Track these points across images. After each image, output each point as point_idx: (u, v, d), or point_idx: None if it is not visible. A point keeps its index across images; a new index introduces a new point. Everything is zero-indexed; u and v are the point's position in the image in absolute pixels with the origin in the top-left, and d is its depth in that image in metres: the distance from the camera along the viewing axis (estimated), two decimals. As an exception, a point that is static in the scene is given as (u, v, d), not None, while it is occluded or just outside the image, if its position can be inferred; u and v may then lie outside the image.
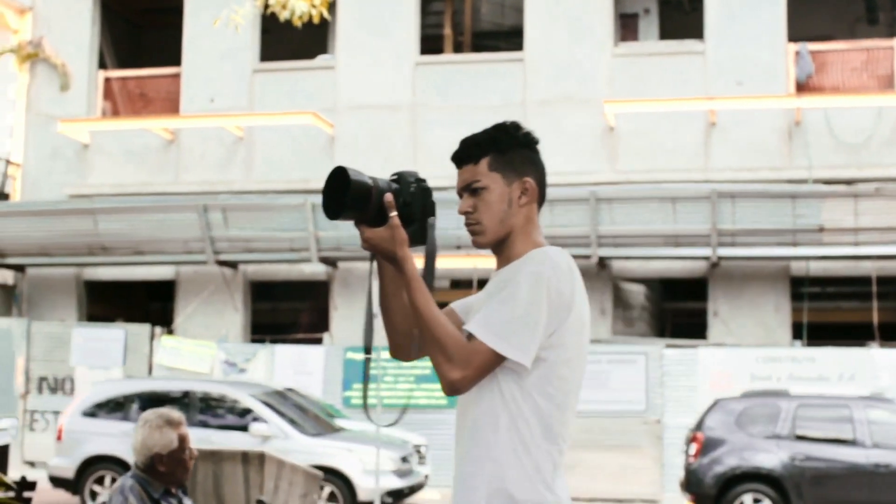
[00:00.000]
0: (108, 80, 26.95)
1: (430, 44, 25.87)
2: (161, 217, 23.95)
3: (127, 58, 28.30)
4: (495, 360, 3.40)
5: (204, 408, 17.48)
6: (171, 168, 25.66)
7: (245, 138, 25.19)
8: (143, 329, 23.32)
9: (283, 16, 13.01)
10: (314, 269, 24.28)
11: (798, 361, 20.48)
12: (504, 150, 3.63)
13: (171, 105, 26.27)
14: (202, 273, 24.76)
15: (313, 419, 17.78)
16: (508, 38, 26.90)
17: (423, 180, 3.58)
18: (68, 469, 17.15)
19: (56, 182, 26.16)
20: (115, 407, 17.63)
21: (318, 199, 23.09)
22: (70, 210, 24.61)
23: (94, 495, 17.08)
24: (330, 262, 23.73)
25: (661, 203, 22.04)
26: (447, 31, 26.88)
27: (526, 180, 3.64)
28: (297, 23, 13.28)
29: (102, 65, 27.32)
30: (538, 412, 3.46)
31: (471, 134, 3.68)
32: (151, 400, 17.26)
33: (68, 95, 26.34)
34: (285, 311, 26.85)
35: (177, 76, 26.29)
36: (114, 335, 23.32)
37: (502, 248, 3.65)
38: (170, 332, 23.93)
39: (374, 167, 23.94)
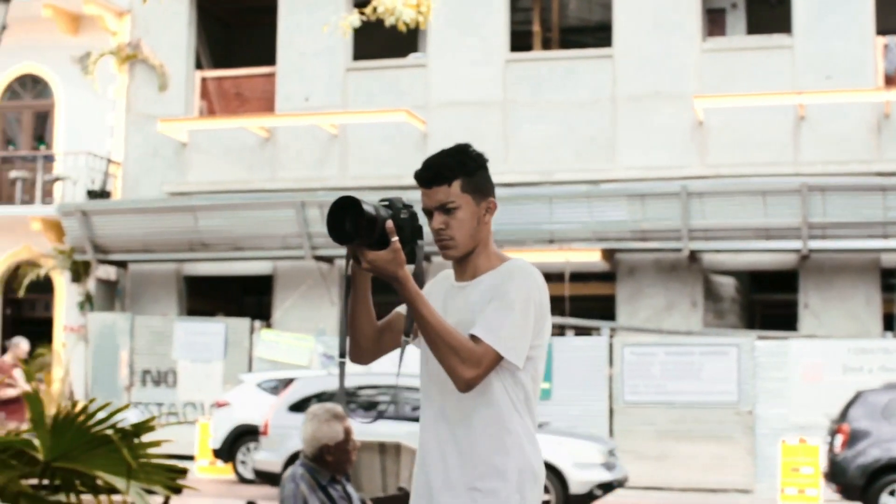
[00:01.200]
0: (204, 80, 27.62)
1: (519, 40, 26.21)
2: (260, 214, 24.56)
3: (219, 57, 28.90)
4: (498, 361, 3.83)
5: (415, 403, 17.43)
6: (268, 165, 26.26)
7: (339, 135, 25.72)
8: (242, 323, 23.93)
9: (390, 21, 13.44)
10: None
11: (890, 353, 20.64)
12: (471, 173, 3.95)
13: (265, 103, 26.87)
14: (299, 268, 25.34)
15: None
16: (595, 33, 27.23)
17: (410, 206, 3.87)
18: (275, 463, 17.31)
19: (155, 180, 26.86)
20: (320, 401, 17.72)
21: (413, 194, 23.59)
22: (171, 207, 25.32)
23: None
24: (424, 255, 24.20)
25: (751, 197, 22.30)
26: (536, 27, 27.24)
27: (490, 200, 3.99)
28: (403, 27, 13.71)
29: (198, 65, 27.96)
30: (527, 396, 3.94)
31: (435, 157, 3.98)
32: (351, 394, 17.41)
33: (166, 95, 27.02)
34: (378, 305, 27.28)
35: (271, 75, 26.88)
36: (215, 329, 23.97)
37: (467, 258, 4.02)
38: (268, 325, 24.52)
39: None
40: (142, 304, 26.53)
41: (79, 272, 26.32)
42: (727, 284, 25.01)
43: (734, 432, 20.93)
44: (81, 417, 5.35)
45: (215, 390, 23.37)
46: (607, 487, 16.88)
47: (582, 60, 25.20)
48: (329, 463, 5.83)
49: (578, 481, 16.53)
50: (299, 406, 17.38)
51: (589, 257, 23.42)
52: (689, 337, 22.04)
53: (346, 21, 13.17)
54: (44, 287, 26.86)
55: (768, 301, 26.54)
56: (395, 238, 3.73)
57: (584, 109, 24.52)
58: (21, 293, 26.29)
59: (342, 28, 13.24)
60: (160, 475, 5.53)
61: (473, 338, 3.82)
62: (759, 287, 26.18)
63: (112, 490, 5.53)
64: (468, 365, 3.78)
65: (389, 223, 3.73)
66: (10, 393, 16.63)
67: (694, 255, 23.37)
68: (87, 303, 26.38)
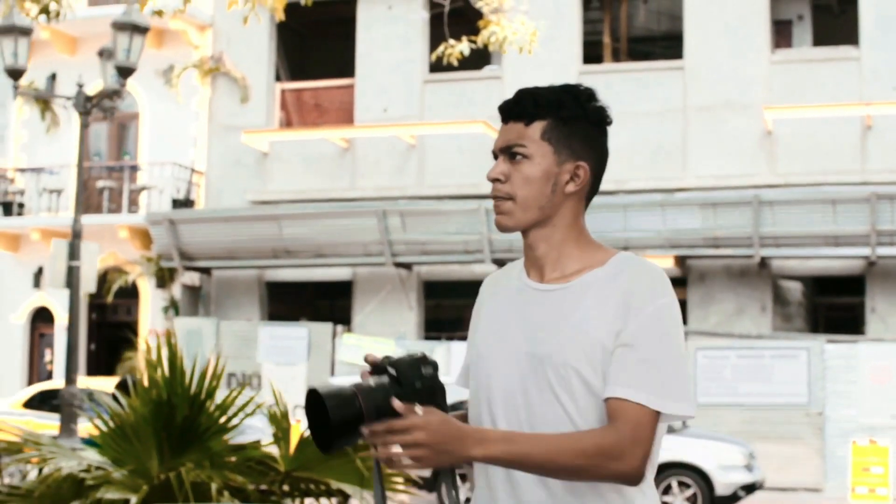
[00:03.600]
0: (283, 91, 28.52)
1: (588, 50, 26.94)
2: (341, 222, 25.42)
3: (295, 69, 29.74)
4: (657, 421, 2.76)
5: None
6: (347, 174, 27.11)
7: (417, 146, 26.56)
8: (325, 327, 24.77)
9: (494, 48, 14.18)
10: (484, 269, 25.53)
11: (955, 355, 21.31)
12: (567, 119, 2.90)
13: (344, 114, 27.72)
14: (378, 274, 26.19)
15: None
16: (662, 42, 27.96)
17: (428, 364, 2.77)
18: None
19: (238, 189, 27.77)
20: None
21: (491, 203, 24.38)
22: (256, 216, 26.23)
23: None
24: (501, 263, 24.99)
25: (821, 205, 23.01)
26: (606, 39, 27.96)
27: (580, 164, 2.90)
28: (505, 51, 14.45)
29: (276, 76, 28.84)
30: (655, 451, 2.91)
31: (532, 87, 2.99)
32: None
33: (247, 107, 27.92)
34: (454, 309, 28.07)
35: (350, 87, 27.73)
36: (298, 333, 24.83)
37: (542, 243, 2.92)
38: (349, 330, 25.37)
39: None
40: (224, 309, 27.45)
41: (164, 278, 27.27)
42: (794, 289, 25.70)
43: (804, 433, 21.51)
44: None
45: (299, 393, 24.21)
46: (749, 489, 17.47)
47: (653, 72, 25.98)
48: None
49: (724, 483, 17.13)
50: None
51: (662, 264, 24.13)
52: (759, 340, 22.77)
53: (455, 50, 13.82)
54: (127, 292, 27.81)
55: (833, 304, 27.13)
56: (418, 412, 2.62)
57: (657, 120, 25.29)
58: (108, 299, 27.23)
59: (450, 57, 13.89)
60: (387, 483, 6.38)
61: (614, 403, 2.73)
62: (824, 291, 26.83)
63: (343, 494, 6.39)
64: (626, 457, 2.68)
65: (398, 404, 2.63)
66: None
67: (763, 261, 24.09)
68: (172, 308, 27.32)
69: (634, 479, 2.70)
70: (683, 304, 25.08)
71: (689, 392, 2.76)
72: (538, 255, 2.91)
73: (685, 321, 24.55)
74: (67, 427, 15.41)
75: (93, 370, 27.61)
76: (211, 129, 28.25)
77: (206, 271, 27.48)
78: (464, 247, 24.65)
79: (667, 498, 17.25)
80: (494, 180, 2.90)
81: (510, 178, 2.87)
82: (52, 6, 17.29)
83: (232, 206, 27.33)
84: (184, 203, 27.46)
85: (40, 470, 6.23)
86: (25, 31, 15.04)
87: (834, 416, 21.50)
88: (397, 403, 2.62)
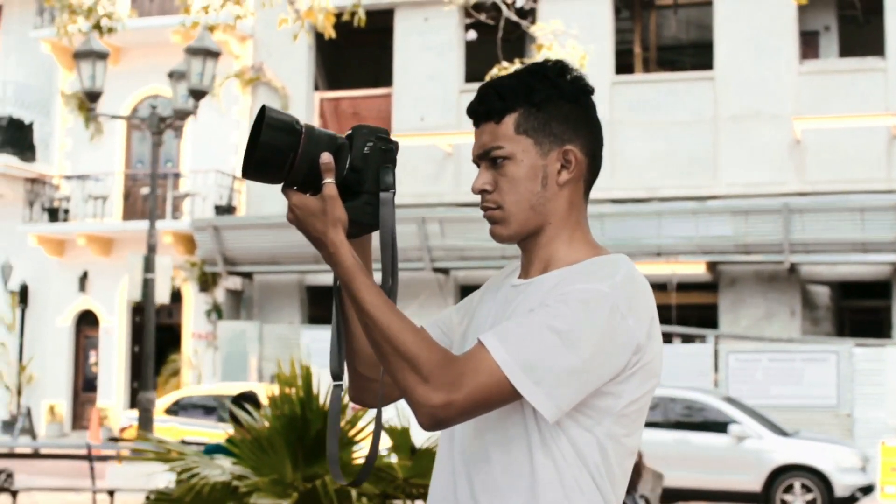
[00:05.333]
0: (321, 100, 29.25)
1: (618, 60, 27.59)
2: (380, 228, 26.07)
3: (333, 78, 30.43)
4: (505, 392, 2.34)
5: (682, 411, 18.84)
6: (385, 181, 27.75)
7: (453, 154, 27.29)
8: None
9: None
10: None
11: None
12: (539, 103, 2.54)
13: (381, 123, 28.36)
14: (417, 279, 26.88)
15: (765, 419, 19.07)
16: (692, 51, 28.63)
17: (386, 138, 2.54)
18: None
19: (279, 195, 28.00)
20: None
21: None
22: (298, 223, 26.90)
23: None
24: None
25: (849, 213, 23.71)
26: (637, 49, 28.63)
27: (568, 149, 2.54)
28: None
29: (315, 85, 29.56)
30: (607, 470, 2.45)
31: (495, 78, 2.63)
32: None
33: (287, 115, 28.59)
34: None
35: (387, 96, 28.47)
36: (338, 337, 25.49)
37: (535, 244, 2.60)
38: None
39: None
40: (266, 312, 28.20)
41: (207, 282, 28.03)
42: (822, 293, 26.36)
43: (834, 434, 22.13)
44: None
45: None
46: (866, 490, 17.96)
47: (684, 82, 26.70)
48: (626, 480, 7.43)
49: (843, 485, 17.69)
50: None
51: (694, 269, 24.89)
52: (790, 344, 23.44)
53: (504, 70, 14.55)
54: (171, 296, 28.53)
55: (859, 308, 27.75)
56: (329, 180, 2.47)
57: (687, 129, 25.98)
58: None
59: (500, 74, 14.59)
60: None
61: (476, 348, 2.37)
62: (851, 295, 27.44)
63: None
64: (435, 384, 2.33)
65: (325, 156, 2.46)
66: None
67: (793, 267, 24.78)
68: (215, 311, 28.07)
69: (426, 413, 2.33)
70: (714, 309, 25.79)
71: (562, 385, 2.31)
72: (527, 257, 2.60)
73: (716, 325, 25.26)
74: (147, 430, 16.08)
75: (136, 373, 28.33)
76: (252, 138, 28.91)
77: (248, 276, 28.23)
78: (501, 252, 25.31)
79: (787, 497, 17.81)
80: (481, 191, 2.58)
81: (497, 186, 2.55)
82: (104, 21, 18.06)
83: (273, 212, 28.03)
84: (226, 209, 28.22)
85: (183, 477, 6.91)
86: (102, 55, 15.80)
87: (862, 417, 22.08)
88: (325, 157, 2.46)
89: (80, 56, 15.66)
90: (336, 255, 2.49)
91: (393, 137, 2.56)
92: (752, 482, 17.95)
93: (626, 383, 2.41)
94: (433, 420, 2.34)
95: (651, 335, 2.43)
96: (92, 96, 15.99)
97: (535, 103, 2.52)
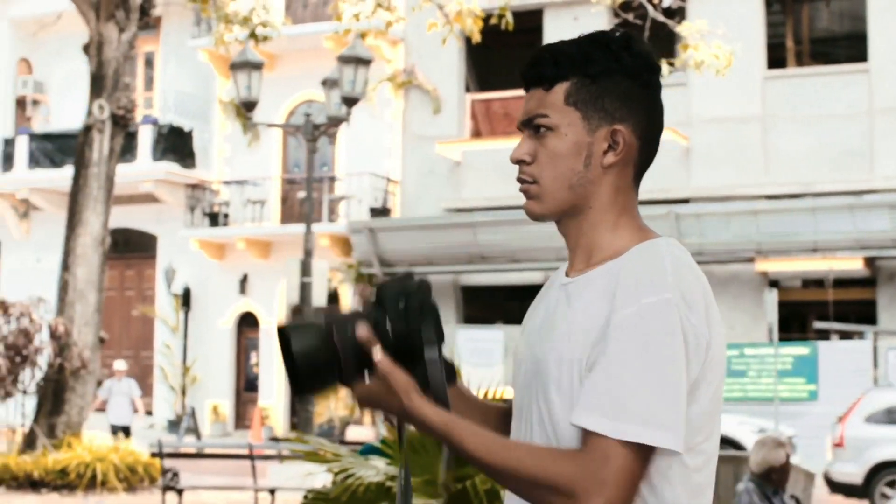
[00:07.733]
0: (472, 102, 29.54)
1: (771, 54, 27.39)
2: (534, 228, 26.16)
3: (482, 79, 30.66)
4: (641, 460, 2.16)
5: None
6: (536, 181, 27.94)
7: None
8: (518, 330, 25.59)
9: (690, 68, 14.99)
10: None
11: None
12: (595, 75, 2.35)
13: (532, 123, 28.53)
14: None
15: None
16: (846, 43, 28.26)
17: (415, 288, 2.32)
18: (855, 475, 17.80)
19: (432, 197, 28.87)
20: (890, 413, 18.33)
21: (681, 209, 25.10)
22: (452, 224, 27.29)
23: (884, 498, 17.67)
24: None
25: None
26: (789, 42, 28.37)
27: (618, 129, 2.35)
28: (701, 73, 15.22)
29: (465, 87, 29.85)
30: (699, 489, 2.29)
31: (555, 42, 2.43)
32: None
33: (439, 117, 29.02)
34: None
35: (535, 97, 28.56)
36: (494, 336, 25.85)
37: (576, 233, 2.42)
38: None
39: (729, 176, 25.81)
40: (421, 312, 28.48)
41: (363, 284, 28.48)
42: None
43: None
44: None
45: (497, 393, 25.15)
46: None
47: (838, 75, 26.38)
48: (773, 479, 7.50)
49: None
50: (877, 418, 18.16)
51: (851, 265, 24.60)
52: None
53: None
54: (327, 297, 29.07)
55: None
56: (378, 357, 2.24)
57: (842, 122, 25.68)
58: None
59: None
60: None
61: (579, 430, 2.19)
62: None
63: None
64: (583, 495, 2.12)
65: (363, 331, 2.24)
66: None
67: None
68: (371, 312, 28.47)
69: None
70: (873, 304, 25.46)
71: (670, 416, 2.14)
72: (569, 245, 2.43)
73: (874, 321, 24.94)
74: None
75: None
76: (405, 140, 29.40)
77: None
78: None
79: (890, 492, 17.61)
80: (519, 161, 2.39)
81: (536, 158, 2.36)
82: (259, 30, 18.53)
83: (427, 213, 28.42)
84: (381, 211, 28.67)
85: (338, 478, 7.15)
86: (257, 66, 16.25)
87: None
88: (363, 332, 2.24)
89: (236, 67, 16.12)
90: (424, 422, 2.23)
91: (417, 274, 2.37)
92: None
93: (698, 388, 2.22)
94: None
95: (710, 321, 2.23)
96: (248, 106, 16.45)
97: (590, 74, 2.33)
